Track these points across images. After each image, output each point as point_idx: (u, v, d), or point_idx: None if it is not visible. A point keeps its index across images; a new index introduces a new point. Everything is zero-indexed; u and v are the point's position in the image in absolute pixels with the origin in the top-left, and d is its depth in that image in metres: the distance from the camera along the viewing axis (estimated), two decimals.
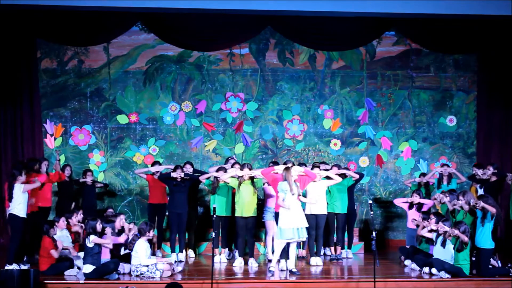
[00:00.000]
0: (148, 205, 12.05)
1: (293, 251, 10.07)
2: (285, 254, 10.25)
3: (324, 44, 13.11)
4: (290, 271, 9.97)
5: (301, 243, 11.20)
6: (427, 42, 13.19)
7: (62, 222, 10.24)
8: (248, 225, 10.69)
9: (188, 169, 11.59)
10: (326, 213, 10.91)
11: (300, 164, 11.63)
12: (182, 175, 11.19)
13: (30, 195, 10.30)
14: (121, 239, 10.24)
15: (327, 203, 11.04)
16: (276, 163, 11.45)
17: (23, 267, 9.75)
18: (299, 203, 10.02)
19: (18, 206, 9.99)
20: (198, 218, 12.18)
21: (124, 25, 12.78)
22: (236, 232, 10.87)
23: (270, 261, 11.06)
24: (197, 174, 11.56)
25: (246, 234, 10.78)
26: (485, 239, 9.94)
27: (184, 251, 11.48)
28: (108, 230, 9.96)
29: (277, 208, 10.39)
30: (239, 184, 10.65)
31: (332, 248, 11.44)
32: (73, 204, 11.89)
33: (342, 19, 12.74)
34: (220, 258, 11.11)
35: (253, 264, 10.64)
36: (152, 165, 12.14)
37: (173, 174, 11.20)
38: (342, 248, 11.65)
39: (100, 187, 12.58)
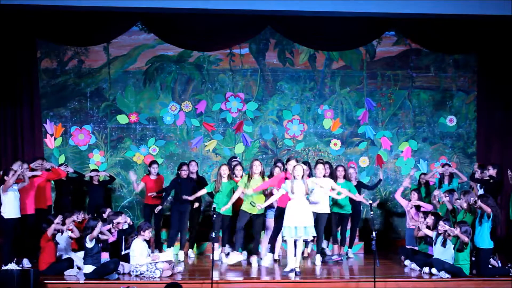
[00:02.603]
0: (144, 205, 12.08)
1: (299, 251, 10.05)
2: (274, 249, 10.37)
3: (324, 44, 13.10)
4: (292, 270, 9.94)
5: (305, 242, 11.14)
6: (427, 42, 13.18)
7: (59, 221, 10.20)
8: (254, 222, 10.69)
9: (194, 167, 11.72)
10: (328, 213, 10.88)
11: (304, 163, 11.63)
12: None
13: (27, 195, 10.42)
14: (106, 227, 10.13)
15: (332, 203, 11.04)
16: (279, 161, 11.46)
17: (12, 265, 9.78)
18: (304, 202, 10.00)
19: (4, 208, 10.17)
20: (200, 217, 12.15)
21: (124, 25, 12.77)
22: (235, 225, 10.81)
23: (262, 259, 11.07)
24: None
25: (254, 231, 10.78)
26: (483, 238, 9.96)
27: (183, 250, 11.49)
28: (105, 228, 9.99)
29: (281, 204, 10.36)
30: (248, 179, 10.65)
31: (335, 247, 11.42)
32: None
33: (342, 19, 12.72)
34: (220, 256, 11.05)
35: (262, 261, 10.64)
36: (150, 164, 12.14)
37: (182, 174, 11.36)
38: (342, 245, 11.60)
39: (108, 182, 12.53)
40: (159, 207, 11.46)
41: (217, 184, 10.98)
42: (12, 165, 10.68)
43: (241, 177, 10.97)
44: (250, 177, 10.67)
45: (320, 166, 10.88)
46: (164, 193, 11.67)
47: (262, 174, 10.72)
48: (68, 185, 12.07)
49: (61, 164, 12.12)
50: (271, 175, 11.00)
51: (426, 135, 13.63)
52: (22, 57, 12.76)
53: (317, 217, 10.67)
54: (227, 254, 11.02)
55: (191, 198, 11.22)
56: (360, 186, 11.92)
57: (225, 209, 10.71)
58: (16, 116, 12.74)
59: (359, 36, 13.03)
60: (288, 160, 10.71)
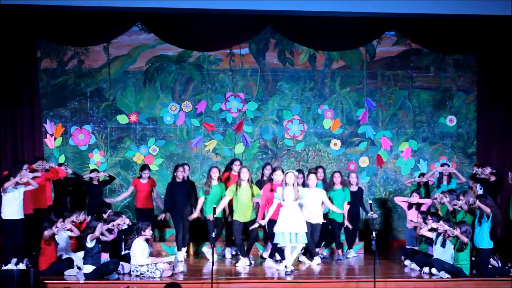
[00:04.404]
0: (136, 209, 12.09)
1: (295, 251, 10.04)
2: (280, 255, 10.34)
3: (324, 44, 13.09)
4: (286, 267, 9.94)
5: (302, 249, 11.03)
6: (427, 42, 13.18)
7: (59, 222, 10.18)
8: (248, 230, 10.64)
9: (186, 171, 11.70)
10: (321, 223, 10.72)
11: (298, 171, 11.54)
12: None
13: (25, 196, 10.39)
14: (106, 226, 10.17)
15: (328, 211, 11.01)
16: (269, 165, 11.53)
17: (21, 266, 9.76)
18: (296, 209, 9.99)
19: (4, 210, 10.12)
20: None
21: (124, 25, 12.77)
22: (234, 236, 10.79)
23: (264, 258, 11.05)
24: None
25: (251, 237, 10.75)
26: (483, 239, 9.95)
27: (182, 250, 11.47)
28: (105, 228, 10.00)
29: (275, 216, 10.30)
30: (236, 187, 10.62)
31: (339, 250, 11.37)
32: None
33: (342, 19, 12.72)
34: (212, 257, 10.97)
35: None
36: (141, 169, 12.05)
37: (178, 175, 11.30)
38: (343, 247, 11.56)
39: (108, 182, 12.49)
40: (162, 215, 11.45)
41: (206, 187, 10.94)
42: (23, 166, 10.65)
43: (238, 173, 10.93)
44: (238, 185, 10.63)
45: (312, 176, 10.78)
46: (165, 202, 11.51)
47: (250, 181, 10.67)
48: (67, 186, 12.07)
49: (61, 164, 12.11)
50: (262, 176, 11.34)
51: (426, 135, 13.63)
52: (22, 57, 12.78)
53: (312, 227, 10.57)
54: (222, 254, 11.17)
55: (195, 215, 10.99)
56: (358, 194, 11.60)
57: (212, 216, 10.53)
58: (16, 116, 12.76)
59: (359, 36, 13.03)
60: (274, 170, 10.62)
